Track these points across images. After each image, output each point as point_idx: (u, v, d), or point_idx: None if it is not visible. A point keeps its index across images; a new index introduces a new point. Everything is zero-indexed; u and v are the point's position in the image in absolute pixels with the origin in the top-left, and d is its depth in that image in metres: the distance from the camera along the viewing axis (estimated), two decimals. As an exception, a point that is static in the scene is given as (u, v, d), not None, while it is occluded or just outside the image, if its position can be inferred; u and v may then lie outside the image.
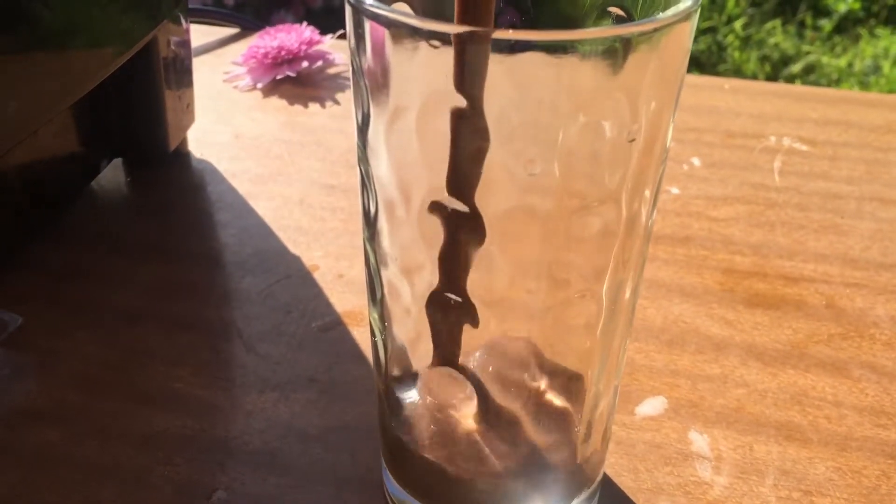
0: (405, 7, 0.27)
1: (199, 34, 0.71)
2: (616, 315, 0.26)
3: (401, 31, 0.22)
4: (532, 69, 0.23)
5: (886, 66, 2.18)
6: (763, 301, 0.42)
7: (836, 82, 2.16)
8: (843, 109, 0.60)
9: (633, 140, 0.23)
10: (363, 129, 0.25)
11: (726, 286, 0.43)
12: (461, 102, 0.23)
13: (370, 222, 0.26)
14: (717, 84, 0.63)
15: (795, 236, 0.47)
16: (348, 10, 0.23)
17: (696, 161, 0.54)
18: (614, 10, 0.27)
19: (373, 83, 0.24)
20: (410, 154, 0.25)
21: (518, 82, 0.23)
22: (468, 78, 0.22)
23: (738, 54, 2.26)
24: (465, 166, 0.23)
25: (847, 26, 2.42)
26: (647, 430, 0.35)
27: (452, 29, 0.21)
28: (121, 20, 0.43)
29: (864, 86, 2.12)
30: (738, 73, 2.22)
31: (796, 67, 2.21)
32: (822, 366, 0.39)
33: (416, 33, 0.22)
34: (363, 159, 0.26)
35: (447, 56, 0.23)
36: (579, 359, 0.27)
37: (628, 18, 0.28)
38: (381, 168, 0.25)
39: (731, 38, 2.32)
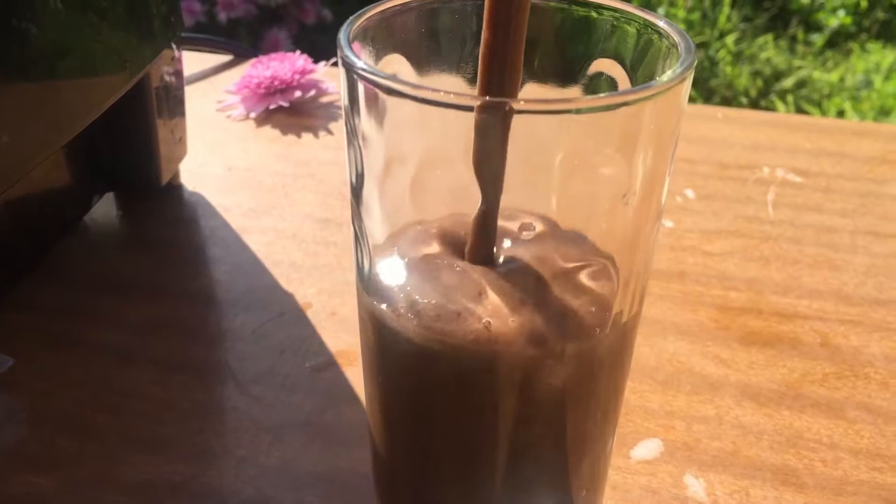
0: (401, 59, 0.27)
1: (192, 61, 0.70)
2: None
3: (394, 95, 0.22)
4: (527, 128, 0.23)
5: (878, 81, 2.19)
6: (758, 339, 0.42)
7: (828, 97, 2.16)
8: (836, 139, 0.60)
9: (628, 198, 0.23)
10: (357, 188, 0.25)
11: (721, 323, 0.43)
12: (454, 165, 0.23)
13: (364, 277, 0.26)
14: (709, 113, 0.63)
15: (790, 271, 0.47)
16: (342, 72, 0.23)
17: (689, 193, 0.54)
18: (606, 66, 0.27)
19: (366, 143, 0.24)
20: (403, 214, 0.25)
21: (514, 141, 0.23)
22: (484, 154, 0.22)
23: (729, 69, 2.27)
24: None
25: (838, 41, 2.43)
26: (642, 475, 0.35)
27: (449, 98, 0.21)
28: (117, 56, 0.43)
29: (856, 100, 2.13)
30: (729, 87, 2.23)
31: (788, 82, 2.22)
32: (817, 406, 0.38)
33: (411, 98, 0.22)
34: (356, 216, 0.26)
35: (443, 117, 0.23)
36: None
37: (621, 66, 0.28)
38: (375, 226, 0.25)
39: (722, 52, 2.33)
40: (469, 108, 0.22)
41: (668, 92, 0.22)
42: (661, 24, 0.25)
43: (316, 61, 0.66)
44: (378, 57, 0.27)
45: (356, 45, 0.25)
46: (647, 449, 0.36)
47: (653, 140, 0.23)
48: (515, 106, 0.21)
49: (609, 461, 0.31)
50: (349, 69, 0.22)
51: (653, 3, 2.50)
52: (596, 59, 0.28)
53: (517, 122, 0.21)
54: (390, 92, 0.22)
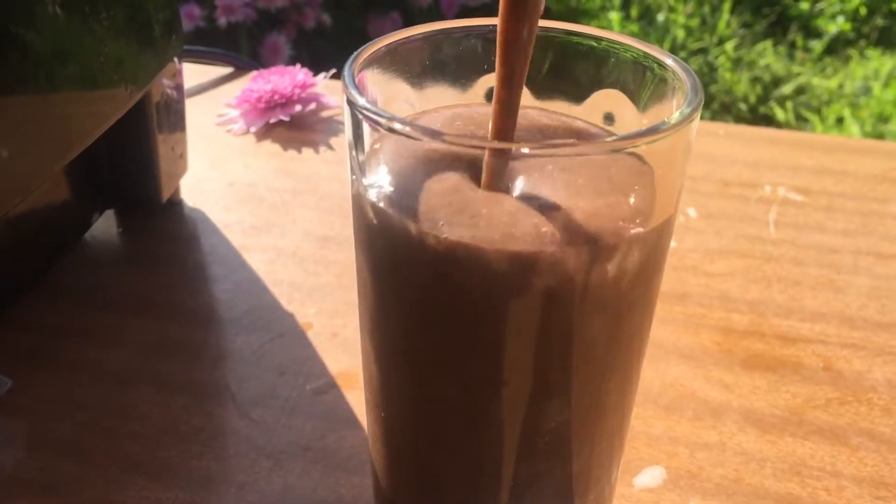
0: (405, 87, 0.27)
1: (192, 73, 0.70)
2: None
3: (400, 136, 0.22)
4: (536, 168, 0.23)
5: (877, 88, 2.19)
6: (761, 363, 0.42)
7: (827, 104, 2.16)
8: (838, 157, 0.60)
9: (637, 230, 0.23)
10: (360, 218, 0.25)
11: (724, 347, 0.43)
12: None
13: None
14: (711, 129, 0.63)
15: (792, 293, 0.47)
16: (347, 111, 0.23)
17: (692, 212, 0.53)
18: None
19: (370, 182, 0.23)
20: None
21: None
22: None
23: (729, 75, 2.27)
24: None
25: (837, 47, 2.43)
26: None
27: (458, 140, 0.21)
28: (120, 74, 0.43)
29: (855, 107, 2.13)
30: (728, 93, 2.23)
31: (787, 88, 2.22)
32: (820, 433, 0.38)
33: (414, 138, 0.22)
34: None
35: (447, 155, 0.23)
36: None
37: (624, 93, 0.27)
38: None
39: (722, 59, 2.33)
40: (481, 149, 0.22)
41: (675, 135, 0.22)
42: (669, 61, 0.24)
43: (316, 65, 0.66)
44: (384, 88, 0.26)
45: (363, 76, 0.25)
46: (650, 477, 0.36)
47: (661, 177, 0.23)
48: (524, 150, 0.21)
49: (614, 490, 0.31)
50: (355, 109, 0.22)
51: (652, 8, 2.51)
52: (601, 88, 0.27)
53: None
54: (391, 131, 0.22)
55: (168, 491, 0.35)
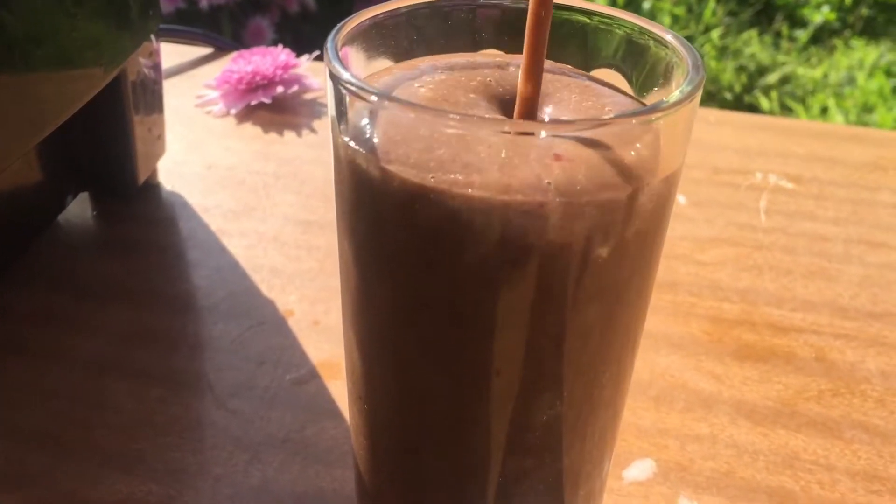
0: (390, 63, 0.26)
1: (171, 54, 0.68)
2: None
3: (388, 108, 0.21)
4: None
5: (861, 78, 2.19)
6: (752, 353, 0.41)
7: (812, 93, 2.16)
8: (828, 144, 0.59)
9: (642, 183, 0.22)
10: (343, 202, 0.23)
11: (714, 336, 0.42)
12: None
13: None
14: (701, 115, 0.62)
15: (783, 282, 0.46)
16: (330, 85, 0.22)
17: (682, 199, 0.52)
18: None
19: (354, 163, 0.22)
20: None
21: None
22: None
23: (714, 63, 2.26)
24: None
25: (823, 37, 2.43)
26: (635, 497, 0.34)
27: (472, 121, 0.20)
28: (94, 50, 0.41)
29: (840, 97, 2.13)
30: (714, 82, 2.22)
31: (772, 78, 2.22)
32: (812, 425, 0.37)
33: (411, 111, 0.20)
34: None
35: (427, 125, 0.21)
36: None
37: (623, 76, 0.26)
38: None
39: (707, 47, 2.32)
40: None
41: (676, 113, 0.21)
42: (669, 37, 0.23)
43: (299, 50, 0.65)
44: (369, 61, 0.25)
45: (346, 51, 0.23)
46: (639, 469, 0.35)
47: (664, 153, 0.22)
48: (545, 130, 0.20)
49: (605, 485, 0.30)
50: (337, 83, 0.21)
51: (639, -5, 2.50)
52: (598, 67, 0.26)
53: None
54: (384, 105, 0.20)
55: (142, 484, 0.34)
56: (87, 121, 0.46)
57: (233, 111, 0.60)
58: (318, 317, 0.43)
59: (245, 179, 0.54)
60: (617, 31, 0.25)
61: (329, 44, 0.22)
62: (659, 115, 0.20)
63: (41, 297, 0.44)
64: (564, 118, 0.23)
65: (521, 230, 0.20)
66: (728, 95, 2.18)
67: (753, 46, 2.35)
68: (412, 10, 0.25)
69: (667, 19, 2.41)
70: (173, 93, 0.63)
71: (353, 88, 0.20)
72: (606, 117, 0.20)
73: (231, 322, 0.42)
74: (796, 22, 2.49)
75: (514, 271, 0.21)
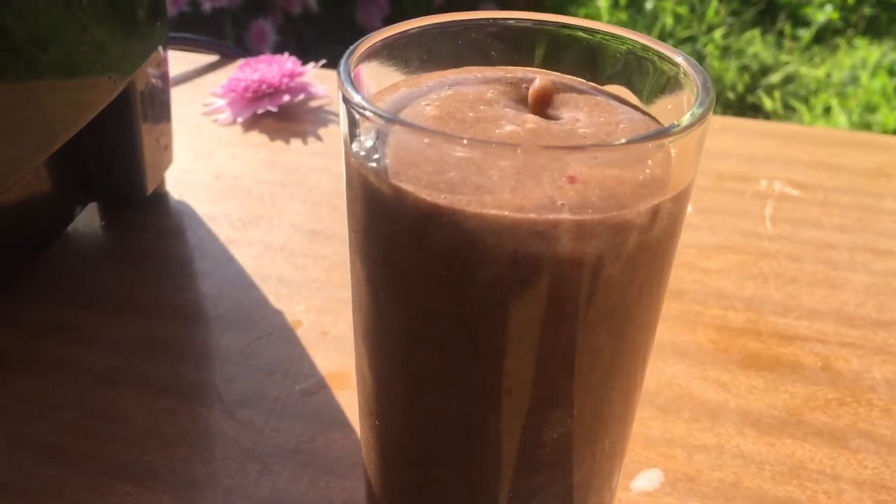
0: (401, 78, 0.26)
1: (177, 61, 0.69)
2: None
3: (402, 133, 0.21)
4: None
5: (864, 77, 2.18)
6: (758, 362, 0.41)
7: (815, 93, 2.16)
8: (833, 151, 0.59)
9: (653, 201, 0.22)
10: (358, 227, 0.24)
11: (720, 345, 0.42)
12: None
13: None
14: (706, 122, 0.62)
15: (789, 290, 0.46)
16: (342, 107, 0.22)
17: (687, 207, 0.52)
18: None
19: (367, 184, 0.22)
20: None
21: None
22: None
23: (717, 63, 2.26)
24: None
25: (826, 36, 2.43)
26: (642, 508, 0.34)
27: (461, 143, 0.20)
28: (104, 63, 0.42)
29: (843, 97, 2.13)
30: (717, 82, 2.22)
31: (775, 77, 2.21)
32: (819, 434, 0.38)
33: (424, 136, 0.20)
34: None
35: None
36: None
37: (629, 88, 0.27)
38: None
39: (710, 47, 2.32)
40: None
41: (688, 135, 0.21)
42: (680, 59, 0.24)
43: (303, 51, 0.65)
44: (381, 81, 0.25)
45: (359, 70, 0.24)
46: (647, 480, 0.35)
47: (675, 175, 0.22)
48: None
49: (614, 496, 0.30)
50: (351, 107, 0.21)
51: (641, -4, 2.49)
52: (608, 83, 0.27)
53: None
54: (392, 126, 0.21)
55: (152, 496, 0.34)
56: (96, 132, 0.46)
57: (239, 119, 0.60)
58: (327, 327, 0.43)
59: (252, 188, 0.54)
60: (621, 47, 0.26)
61: (342, 66, 0.22)
62: (672, 138, 0.21)
63: (50, 308, 0.44)
64: (579, 131, 0.23)
65: (532, 250, 0.21)
66: (731, 95, 2.18)
67: (756, 46, 2.35)
68: (422, 31, 0.25)
69: (669, 19, 2.41)
70: (180, 101, 0.63)
71: (365, 112, 0.21)
72: (619, 141, 0.20)
73: (240, 332, 0.43)
74: (799, 21, 2.49)
75: (526, 291, 0.21)
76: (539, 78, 0.25)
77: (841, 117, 2.02)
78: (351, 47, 0.23)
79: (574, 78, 0.27)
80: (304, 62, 0.64)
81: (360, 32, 1.86)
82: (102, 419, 0.38)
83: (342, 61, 0.22)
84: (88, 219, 0.50)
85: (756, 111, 2.11)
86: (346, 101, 0.21)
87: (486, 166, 0.21)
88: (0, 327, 0.42)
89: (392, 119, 0.20)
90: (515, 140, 0.22)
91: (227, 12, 1.81)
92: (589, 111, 0.24)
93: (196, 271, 0.47)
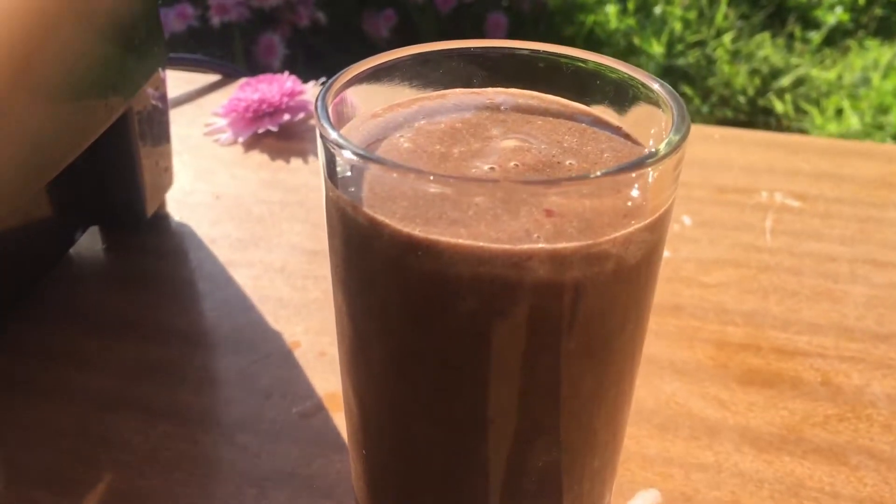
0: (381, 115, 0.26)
1: (178, 82, 0.69)
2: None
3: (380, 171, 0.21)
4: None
5: (876, 78, 2.17)
6: (757, 378, 0.41)
7: (826, 95, 2.15)
8: (835, 161, 0.59)
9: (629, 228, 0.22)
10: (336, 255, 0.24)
11: (719, 361, 0.42)
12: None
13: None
14: (707, 134, 0.62)
15: (788, 304, 0.46)
16: (320, 145, 0.22)
17: (686, 220, 0.52)
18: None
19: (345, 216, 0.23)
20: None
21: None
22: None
23: (727, 67, 2.26)
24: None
25: (836, 38, 2.41)
26: (639, 529, 0.34)
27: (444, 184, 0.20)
28: (102, 88, 0.42)
29: (854, 98, 2.11)
30: (727, 86, 2.22)
31: (786, 80, 2.20)
32: (818, 451, 0.37)
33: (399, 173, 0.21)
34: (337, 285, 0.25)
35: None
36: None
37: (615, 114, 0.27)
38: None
39: (720, 51, 2.32)
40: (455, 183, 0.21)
41: (664, 163, 0.21)
42: (657, 86, 0.24)
43: (312, 64, 0.65)
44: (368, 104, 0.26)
45: (346, 94, 0.24)
46: (644, 500, 0.35)
47: (650, 201, 0.22)
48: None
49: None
50: (328, 145, 0.21)
51: (649, 1, 2.49)
52: (592, 105, 0.27)
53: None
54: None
55: (150, 522, 0.34)
56: (95, 155, 0.46)
57: (240, 139, 0.61)
58: (325, 348, 0.43)
59: (252, 209, 0.54)
60: (610, 75, 0.26)
61: (319, 102, 0.22)
62: (647, 168, 0.21)
63: (50, 332, 0.44)
64: (564, 162, 0.23)
65: (509, 282, 0.21)
66: (742, 99, 2.17)
67: (766, 49, 2.34)
68: (398, 62, 0.25)
69: (678, 24, 2.41)
70: (181, 121, 0.63)
71: (340, 149, 0.21)
72: (596, 174, 0.20)
73: (238, 355, 0.43)
74: (809, 23, 2.48)
75: (504, 322, 0.21)
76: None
77: (853, 119, 2.01)
78: (328, 83, 0.23)
79: (557, 99, 0.27)
80: (314, 74, 0.64)
81: (369, 43, 1.86)
82: (100, 445, 0.38)
83: (318, 97, 0.22)
84: (90, 242, 0.51)
85: (767, 115, 2.10)
86: (321, 136, 0.21)
87: (461, 202, 0.21)
88: (0, 351, 0.43)
89: (364, 156, 0.20)
90: (490, 176, 0.22)
91: (235, 26, 1.83)
92: (577, 139, 0.25)
93: (196, 293, 0.47)
